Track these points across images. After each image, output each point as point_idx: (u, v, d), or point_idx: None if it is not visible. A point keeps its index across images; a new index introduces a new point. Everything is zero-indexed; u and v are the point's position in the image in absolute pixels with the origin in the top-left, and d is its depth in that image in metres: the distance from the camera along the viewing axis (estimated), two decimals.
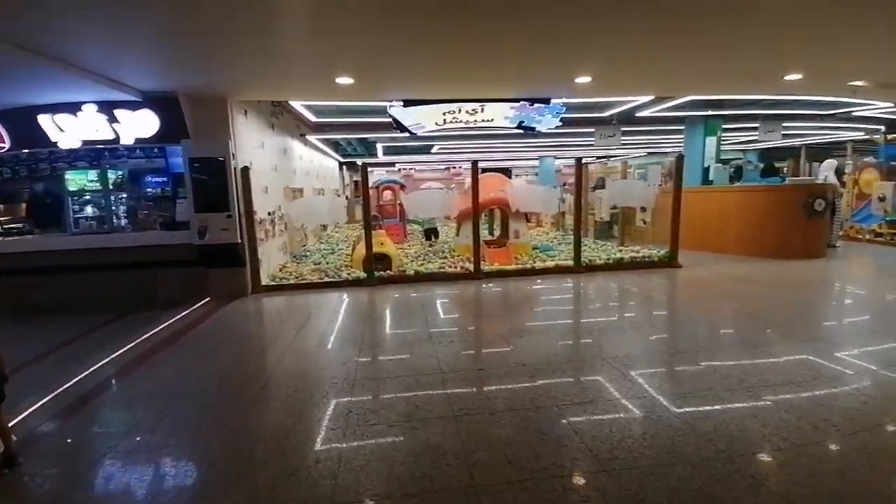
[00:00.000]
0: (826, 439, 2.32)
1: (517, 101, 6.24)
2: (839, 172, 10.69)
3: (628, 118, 9.47)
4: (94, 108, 5.69)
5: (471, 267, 6.69)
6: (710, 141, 9.54)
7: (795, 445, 2.26)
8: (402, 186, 11.63)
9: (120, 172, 6.76)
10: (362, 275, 6.57)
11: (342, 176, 18.29)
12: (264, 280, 6.52)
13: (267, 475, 2.18)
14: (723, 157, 10.59)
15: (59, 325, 5.02)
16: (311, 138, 10.66)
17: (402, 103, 6.15)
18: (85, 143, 5.97)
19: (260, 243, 6.54)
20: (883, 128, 11.91)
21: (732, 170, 9.75)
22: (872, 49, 4.79)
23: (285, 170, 8.54)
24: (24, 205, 6.76)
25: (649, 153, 19.69)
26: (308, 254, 9.13)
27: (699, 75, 5.71)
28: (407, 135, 6.87)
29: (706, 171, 9.48)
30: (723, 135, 10.29)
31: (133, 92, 5.59)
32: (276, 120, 7.85)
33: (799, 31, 4.08)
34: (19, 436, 2.55)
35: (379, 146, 13.20)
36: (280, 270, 7.29)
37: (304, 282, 6.52)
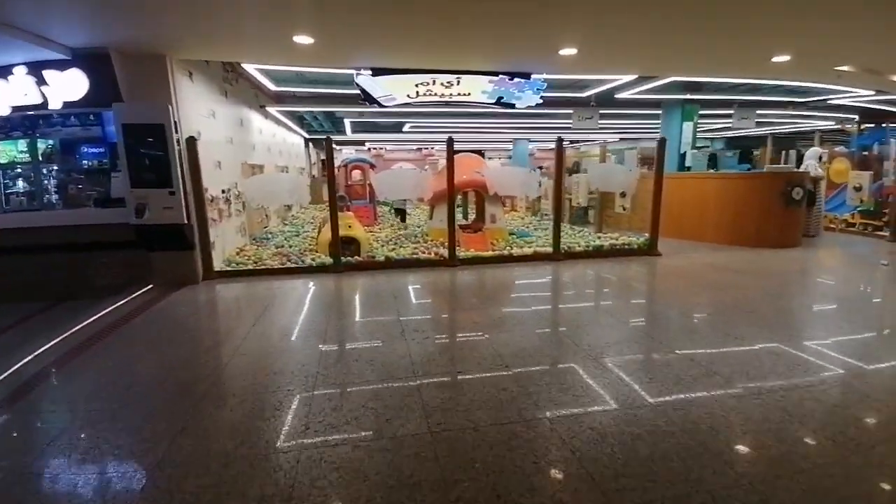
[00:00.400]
0: (801, 429, 2.06)
1: (496, 74, 5.77)
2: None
3: (607, 100, 9.17)
4: (23, 70, 4.95)
5: (445, 253, 6.27)
6: (687, 126, 9.38)
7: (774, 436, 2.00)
8: (372, 166, 11.00)
9: (51, 142, 5.93)
10: (328, 260, 6.04)
11: (308, 154, 17.36)
12: (218, 265, 5.89)
13: None
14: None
15: None
16: (273, 111, 9.85)
17: (370, 72, 5.58)
18: (14, 108, 5.19)
19: (213, 224, 5.90)
20: (856, 117, 12.11)
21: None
22: (861, 31, 4.60)
23: (242, 143, 7.80)
24: None
25: (621, 139, 19.67)
26: (270, 236, 8.47)
27: (687, 53, 5.40)
28: (376, 108, 6.30)
29: (682, 157, 9.35)
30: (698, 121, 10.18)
31: (62, 49, 4.86)
32: (229, 87, 7.08)
33: (790, 7, 3.82)
34: None
35: (347, 122, 12.46)
36: (237, 254, 6.66)
37: (263, 267, 5.94)
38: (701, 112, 10.08)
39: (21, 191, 5.57)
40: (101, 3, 3.70)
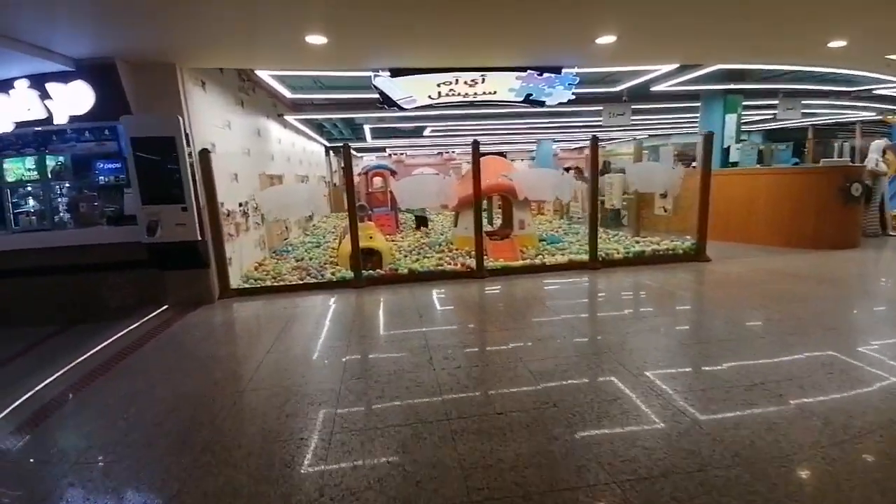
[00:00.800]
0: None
1: (524, 70, 5.32)
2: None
3: (640, 94, 8.58)
4: (25, 83, 4.79)
5: (473, 263, 5.84)
6: (730, 119, 8.69)
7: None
8: (393, 173, 10.69)
9: (61, 159, 5.78)
10: (349, 274, 5.70)
11: (329, 162, 17.24)
12: (236, 282, 5.62)
13: None
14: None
15: None
16: (291, 119, 9.65)
17: (388, 73, 5.21)
18: (18, 124, 5.05)
19: (229, 239, 5.64)
20: None
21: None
22: None
23: (260, 154, 7.57)
24: None
25: (650, 135, 18.85)
26: (290, 248, 8.22)
27: (737, 39, 4.84)
28: (396, 112, 5.94)
29: (726, 151, 8.66)
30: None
31: (65, 61, 4.68)
32: (246, 96, 6.86)
33: None
34: None
35: (367, 128, 12.20)
36: (256, 269, 6.40)
37: (281, 283, 5.63)
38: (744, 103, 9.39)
39: (31, 210, 5.40)
40: (105, 11, 3.45)
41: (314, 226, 11.65)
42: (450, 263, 6.14)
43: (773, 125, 15.70)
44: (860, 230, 7.19)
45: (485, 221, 7.83)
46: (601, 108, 8.82)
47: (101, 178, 5.76)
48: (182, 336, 4.10)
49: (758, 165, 8.86)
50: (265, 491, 1.97)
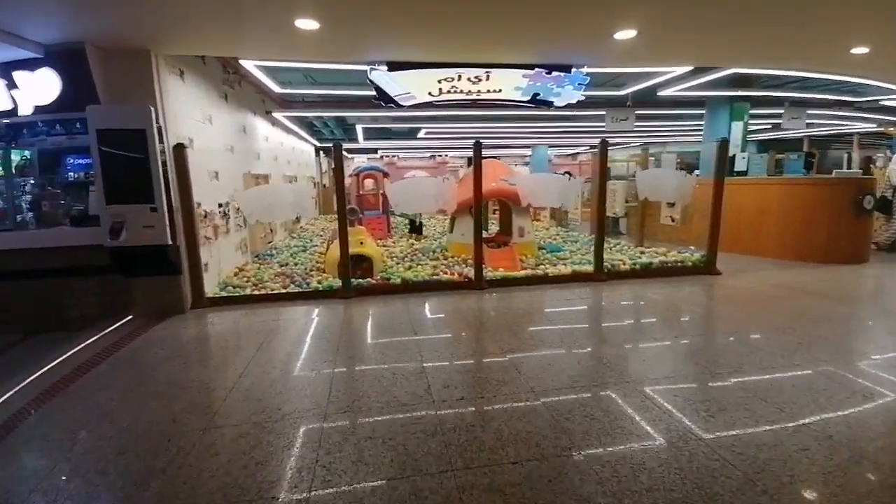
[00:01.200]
0: None
1: (531, 67, 4.94)
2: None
3: (645, 99, 8.28)
4: None
5: (471, 273, 5.43)
6: (737, 126, 8.43)
7: None
8: (386, 174, 10.26)
9: (27, 153, 5.28)
10: (337, 283, 5.24)
11: (319, 163, 16.75)
12: (212, 289, 5.14)
13: None
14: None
15: None
16: (280, 116, 9.18)
17: (385, 67, 4.79)
18: None
19: (206, 243, 5.16)
20: None
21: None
22: None
23: (245, 152, 7.10)
24: None
25: (644, 144, 18.66)
26: (274, 252, 7.74)
27: (758, 41, 4.53)
28: (392, 109, 5.53)
29: (731, 160, 8.38)
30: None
31: (34, 47, 4.27)
32: (230, 90, 6.39)
33: None
34: None
35: (359, 129, 11.76)
36: (235, 275, 5.91)
37: (262, 293, 5.16)
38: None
39: None
40: None
41: (301, 228, 11.16)
42: (446, 273, 5.72)
43: (768, 136, 15.59)
44: (869, 244, 6.94)
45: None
46: (604, 112, 8.50)
47: (71, 174, 5.28)
48: (144, 353, 3.61)
49: (766, 176, 8.60)
50: None
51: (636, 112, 8.43)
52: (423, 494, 1.90)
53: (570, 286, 5.37)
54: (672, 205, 6.39)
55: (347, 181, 9.59)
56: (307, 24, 3.74)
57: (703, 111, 9.03)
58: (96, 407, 2.75)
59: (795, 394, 2.68)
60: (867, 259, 6.65)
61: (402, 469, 2.07)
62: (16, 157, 5.11)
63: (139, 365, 3.39)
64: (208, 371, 3.22)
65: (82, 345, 3.82)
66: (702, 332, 3.95)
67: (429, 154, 24.44)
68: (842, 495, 1.84)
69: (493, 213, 10.42)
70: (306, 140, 13.46)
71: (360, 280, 5.35)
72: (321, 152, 16.83)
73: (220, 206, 5.68)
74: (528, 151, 21.32)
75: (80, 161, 5.30)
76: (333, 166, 5.02)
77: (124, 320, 4.47)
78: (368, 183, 10.70)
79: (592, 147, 21.83)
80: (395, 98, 5.01)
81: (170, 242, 4.37)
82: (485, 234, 8.23)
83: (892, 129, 11.35)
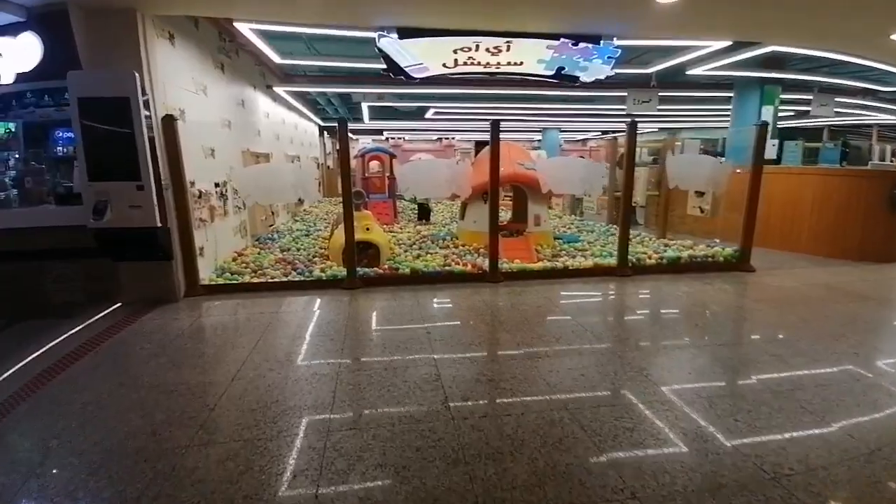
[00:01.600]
0: None
1: (557, 38, 4.46)
2: None
3: (670, 80, 7.76)
4: None
5: (485, 264, 5.04)
6: (767, 111, 7.91)
7: None
8: (393, 156, 9.80)
9: (11, 126, 4.90)
10: (341, 272, 4.87)
11: (322, 143, 16.25)
12: (209, 275, 4.79)
13: None
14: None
15: None
16: (281, 91, 8.69)
17: (395, 35, 4.33)
18: None
19: (201, 226, 4.78)
20: None
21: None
22: None
23: (244, 128, 6.66)
24: None
25: (660, 129, 18.02)
26: (276, 236, 7.36)
27: (803, 14, 4.05)
28: (401, 83, 5.07)
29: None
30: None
31: (17, 10, 3.89)
32: (227, 59, 5.92)
33: None
34: None
35: (364, 107, 11.24)
36: (234, 260, 5.54)
37: (261, 281, 4.80)
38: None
39: None
40: None
41: (304, 210, 10.76)
42: (458, 263, 5.33)
43: (786, 124, 14.97)
44: None
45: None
46: (625, 93, 7.98)
47: (60, 148, 4.89)
48: (128, 348, 3.26)
49: (797, 166, 8.12)
50: None
51: (660, 94, 7.91)
52: None
53: (592, 281, 4.97)
54: (702, 194, 5.94)
55: (352, 163, 9.16)
56: None
57: (731, 94, 8.50)
58: (71, 413, 2.40)
59: (858, 410, 2.31)
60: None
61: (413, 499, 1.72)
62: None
63: (122, 363, 3.04)
64: (197, 372, 2.87)
65: (64, 336, 3.47)
66: (746, 339, 3.57)
67: (435, 137, 23.86)
68: None
69: (504, 200, 9.97)
70: (310, 119, 12.96)
71: (366, 269, 4.97)
72: (325, 132, 16.33)
73: (216, 185, 5.27)
74: (536, 136, 20.74)
75: (70, 135, 4.89)
76: (338, 146, 4.59)
77: (111, 308, 4.12)
78: (374, 165, 10.25)
79: (605, 132, 21.20)
80: (407, 69, 4.55)
81: (159, 224, 3.99)
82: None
83: None
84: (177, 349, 3.22)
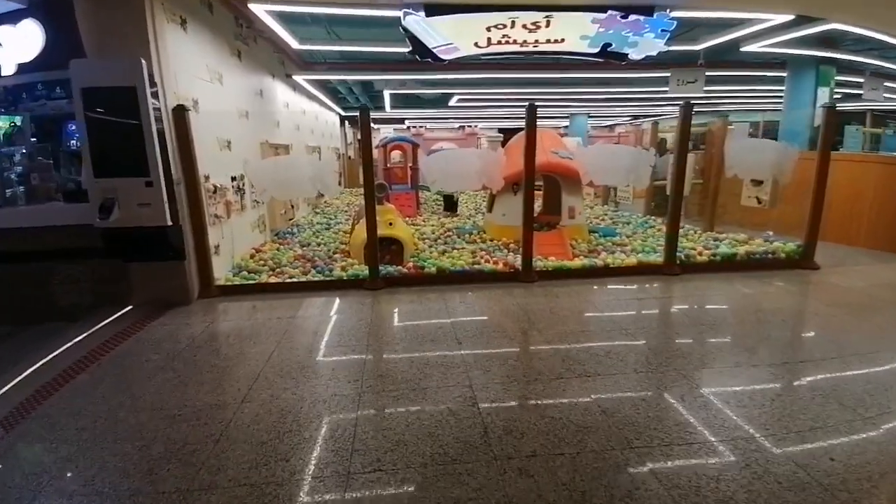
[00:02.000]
0: None
1: (604, 10, 3.97)
2: None
3: (718, 58, 7.10)
4: None
5: (517, 262, 4.64)
6: (823, 93, 7.20)
7: None
8: (416, 146, 9.41)
9: (17, 120, 4.73)
10: (363, 271, 4.55)
11: (344, 133, 15.98)
12: (225, 273, 4.54)
13: None
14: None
15: None
16: (301, 80, 8.39)
17: (423, 12, 3.91)
18: None
19: (216, 223, 4.52)
20: None
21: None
22: None
23: (263, 119, 6.38)
24: None
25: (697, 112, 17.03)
26: (296, 230, 7.10)
27: None
28: (429, 66, 4.65)
29: (817, 131, 7.19)
30: None
31: None
32: (244, 47, 5.61)
33: None
34: None
35: (386, 94, 10.86)
36: (252, 257, 5.29)
37: (278, 280, 4.51)
38: None
39: None
40: None
41: (325, 203, 10.50)
42: (488, 260, 4.94)
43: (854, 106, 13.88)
44: None
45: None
46: (667, 73, 7.35)
47: (74, 142, 4.69)
48: (133, 360, 3.00)
49: (851, 152, 7.39)
50: None
51: (707, 73, 7.25)
52: None
53: (637, 280, 4.52)
54: (759, 183, 5.36)
55: (374, 153, 8.82)
56: None
57: (783, 74, 7.77)
58: (64, 441, 2.15)
59: None
60: None
61: None
62: (3, 123, 4.53)
63: (125, 378, 2.78)
64: (204, 391, 2.58)
65: (67, 345, 3.24)
66: (830, 356, 3.06)
67: (457, 125, 23.33)
68: None
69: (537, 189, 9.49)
70: (330, 108, 12.66)
71: (389, 267, 4.64)
72: (346, 122, 16.04)
73: (233, 179, 5.00)
74: (563, 123, 19.97)
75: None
76: (360, 135, 4.24)
77: (122, 312, 3.89)
78: (396, 155, 9.89)
79: (636, 117, 20.27)
80: (435, 51, 4.14)
81: (169, 223, 3.72)
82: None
83: None
84: (185, 362, 2.95)
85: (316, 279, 4.52)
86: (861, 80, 8.16)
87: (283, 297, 4.18)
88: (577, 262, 4.78)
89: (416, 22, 3.94)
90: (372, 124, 4.26)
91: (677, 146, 4.39)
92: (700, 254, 4.94)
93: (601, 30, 4.11)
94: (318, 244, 6.09)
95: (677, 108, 4.35)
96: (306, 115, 9.54)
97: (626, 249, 5.40)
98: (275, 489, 1.79)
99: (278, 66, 7.27)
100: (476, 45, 4.16)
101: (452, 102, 12.13)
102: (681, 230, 6.37)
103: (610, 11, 3.93)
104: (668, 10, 4.00)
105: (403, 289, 4.35)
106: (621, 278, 4.59)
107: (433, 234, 6.52)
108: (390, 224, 5.08)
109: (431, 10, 3.91)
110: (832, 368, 2.75)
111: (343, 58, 7.53)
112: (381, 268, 4.47)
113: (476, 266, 4.74)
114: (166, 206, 3.67)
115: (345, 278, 4.49)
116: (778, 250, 4.97)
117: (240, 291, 4.31)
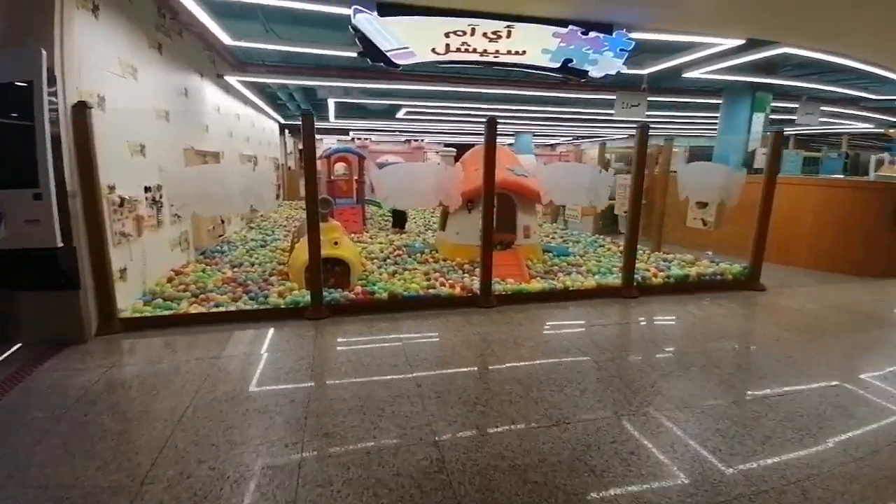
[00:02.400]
0: None
1: (565, 24, 3.81)
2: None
3: (658, 84, 7.34)
4: None
5: (475, 285, 4.33)
6: (758, 118, 7.63)
7: None
8: (362, 158, 8.94)
9: None
10: (303, 297, 4.02)
11: (283, 142, 15.11)
12: (132, 303, 3.82)
13: None
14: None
15: None
16: (235, 82, 7.68)
17: (376, 10, 3.55)
18: None
19: (123, 242, 3.81)
20: None
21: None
22: None
23: (187, 122, 5.66)
24: None
25: (630, 136, 17.93)
26: (226, 247, 6.37)
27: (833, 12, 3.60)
28: (370, 80, 4.27)
29: (751, 155, 7.60)
30: None
31: None
32: (167, 39, 4.94)
33: None
34: None
35: (330, 103, 10.31)
36: (170, 281, 4.57)
37: (201, 311, 3.86)
38: None
39: None
40: None
41: (261, 217, 9.70)
42: (443, 283, 4.59)
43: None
44: None
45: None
46: (613, 96, 7.48)
47: None
48: (14, 419, 2.31)
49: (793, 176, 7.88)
50: None
51: (649, 98, 7.46)
52: None
53: (597, 304, 4.35)
54: (704, 205, 5.46)
55: (318, 165, 8.23)
56: None
57: (719, 101, 8.20)
58: None
59: None
60: None
61: None
62: None
63: (9, 442, 2.11)
64: (95, 465, 1.98)
65: None
66: (795, 382, 2.99)
67: (404, 138, 23.01)
68: None
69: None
70: (269, 115, 11.87)
71: (334, 292, 4.15)
72: (286, 130, 15.19)
73: (146, 190, 4.30)
74: (508, 140, 20.28)
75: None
76: (302, 145, 3.76)
77: (8, 352, 3.11)
78: (340, 167, 9.35)
79: (577, 138, 21.01)
80: (388, 54, 3.77)
81: (60, 244, 3.02)
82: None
83: (892, 130, 10.90)
84: (72, 423, 2.30)
85: (248, 307, 3.92)
86: (795, 105, 8.74)
87: (206, 330, 3.56)
88: (537, 286, 4.55)
89: (368, 21, 3.56)
90: (315, 135, 3.80)
91: (635, 167, 4.31)
92: (655, 276, 4.90)
93: (562, 44, 3.96)
94: (252, 264, 5.45)
95: (618, 129, 4.28)
96: (241, 121, 8.77)
97: (581, 270, 5.27)
98: None
99: (208, 64, 6.57)
100: (434, 51, 3.85)
101: (400, 115, 11.79)
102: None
103: (571, 27, 3.79)
104: (625, 30, 3.93)
105: (350, 318, 3.88)
106: (581, 301, 4.40)
107: (381, 252, 6.08)
108: (335, 243, 4.59)
109: (385, 10, 3.55)
110: (815, 400, 2.64)
111: (283, 60, 6.97)
112: (325, 292, 3.98)
113: (431, 290, 4.37)
114: (56, 223, 2.98)
115: (283, 306, 3.93)
116: (726, 272, 5.04)
117: (151, 325, 3.62)
